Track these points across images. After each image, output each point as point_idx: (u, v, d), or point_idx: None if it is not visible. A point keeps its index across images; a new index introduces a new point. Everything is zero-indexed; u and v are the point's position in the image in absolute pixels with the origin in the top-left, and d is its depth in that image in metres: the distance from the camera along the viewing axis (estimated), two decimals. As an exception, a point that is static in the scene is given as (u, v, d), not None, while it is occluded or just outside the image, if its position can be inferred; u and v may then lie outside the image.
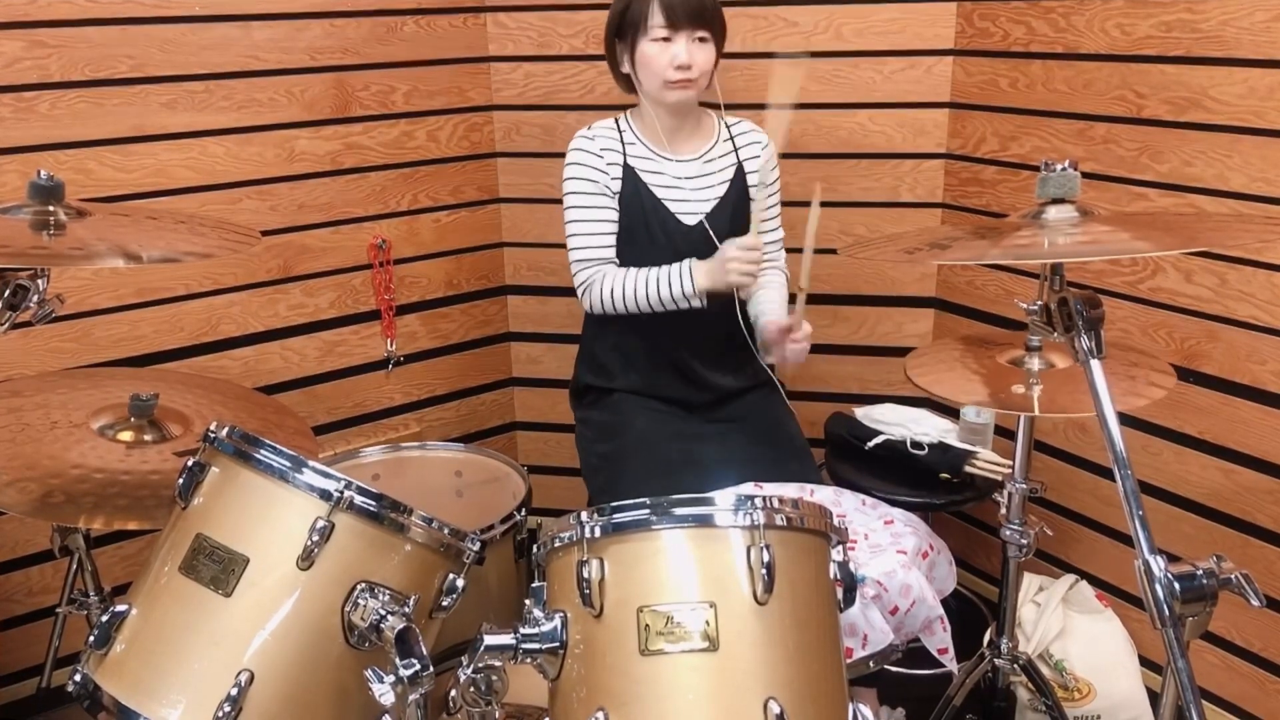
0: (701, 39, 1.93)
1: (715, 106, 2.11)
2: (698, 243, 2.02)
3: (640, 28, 1.92)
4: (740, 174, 2.09)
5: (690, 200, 2.05)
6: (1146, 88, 2.04)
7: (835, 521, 1.25)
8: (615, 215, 2.03)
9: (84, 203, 1.44)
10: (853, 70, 2.41)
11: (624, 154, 2.04)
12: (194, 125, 2.22)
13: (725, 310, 2.03)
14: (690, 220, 2.05)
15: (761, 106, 1.89)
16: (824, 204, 1.83)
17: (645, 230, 2.03)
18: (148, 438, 1.55)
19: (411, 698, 1.13)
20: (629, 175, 2.03)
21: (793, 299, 1.94)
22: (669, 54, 1.91)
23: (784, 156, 2.24)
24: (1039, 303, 1.31)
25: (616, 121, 2.07)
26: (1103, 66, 2.10)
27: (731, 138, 2.11)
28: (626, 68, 2.00)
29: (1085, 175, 1.69)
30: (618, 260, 2.04)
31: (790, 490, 1.84)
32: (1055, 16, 2.17)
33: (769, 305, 2.08)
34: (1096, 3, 2.09)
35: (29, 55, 2.02)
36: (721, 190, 2.07)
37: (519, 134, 2.63)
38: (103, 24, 2.08)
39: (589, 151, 2.02)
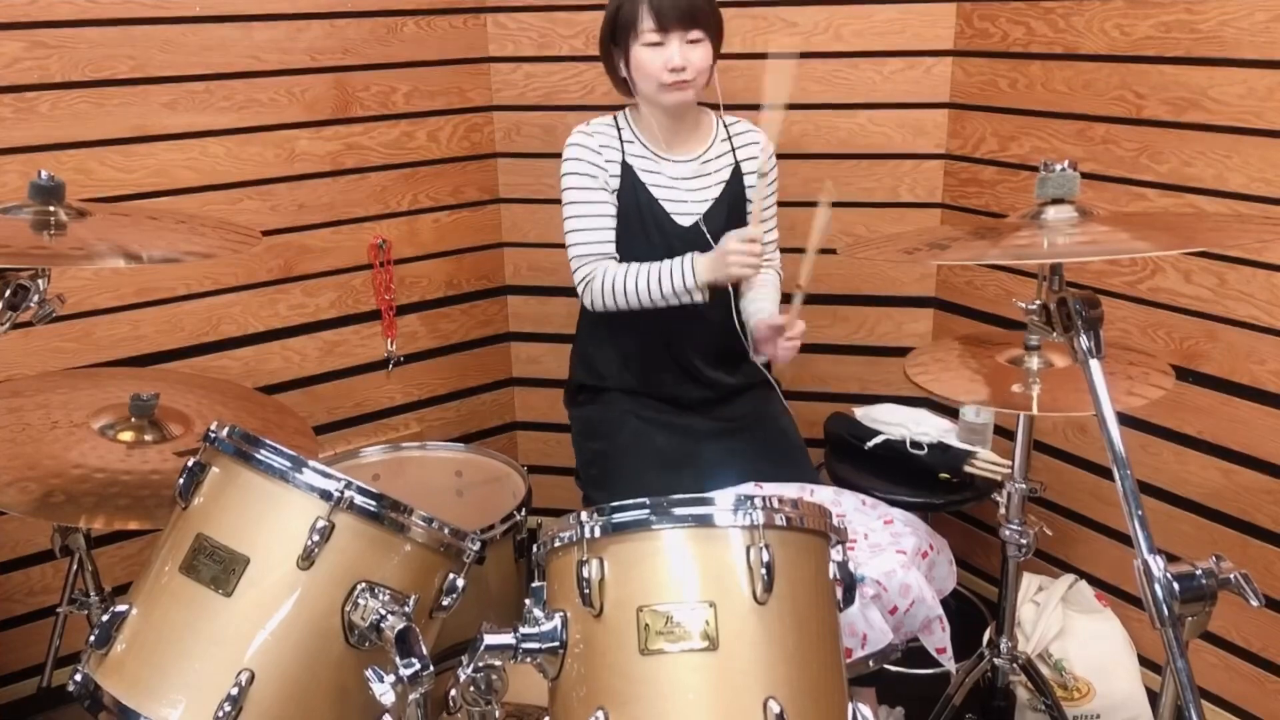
0: (695, 40, 1.92)
1: (715, 107, 2.11)
2: (693, 243, 2.02)
3: (632, 32, 1.91)
4: (737, 174, 2.09)
5: (686, 201, 2.05)
6: (1146, 88, 2.04)
7: (835, 521, 1.25)
8: (614, 210, 2.03)
9: (85, 203, 1.44)
10: (852, 71, 2.41)
11: (622, 152, 2.03)
12: (194, 125, 2.22)
13: (722, 305, 2.03)
14: (685, 221, 2.05)
15: (760, 107, 1.89)
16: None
17: (640, 229, 2.03)
18: (148, 438, 1.55)
19: (411, 697, 1.13)
20: (626, 173, 2.03)
21: (788, 298, 1.94)
22: (662, 57, 1.90)
23: (784, 157, 2.24)
24: (1037, 303, 1.31)
25: (615, 119, 2.07)
26: (1102, 67, 2.10)
27: (730, 138, 2.10)
28: (624, 71, 2.00)
29: (1084, 175, 1.69)
30: (617, 255, 2.04)
31: (790, 490, 1.84)
32: (1055, 17, 2.17)
33: (762, 305, 2.07)
34: (1096, 3, 2.09)
35: (30, 55, 2.02)
36: (718, 190, 2.07)
37: (519, 134, 2.63)
38: (103, 24, 2.08)
39: (587, 147, 2.02)
